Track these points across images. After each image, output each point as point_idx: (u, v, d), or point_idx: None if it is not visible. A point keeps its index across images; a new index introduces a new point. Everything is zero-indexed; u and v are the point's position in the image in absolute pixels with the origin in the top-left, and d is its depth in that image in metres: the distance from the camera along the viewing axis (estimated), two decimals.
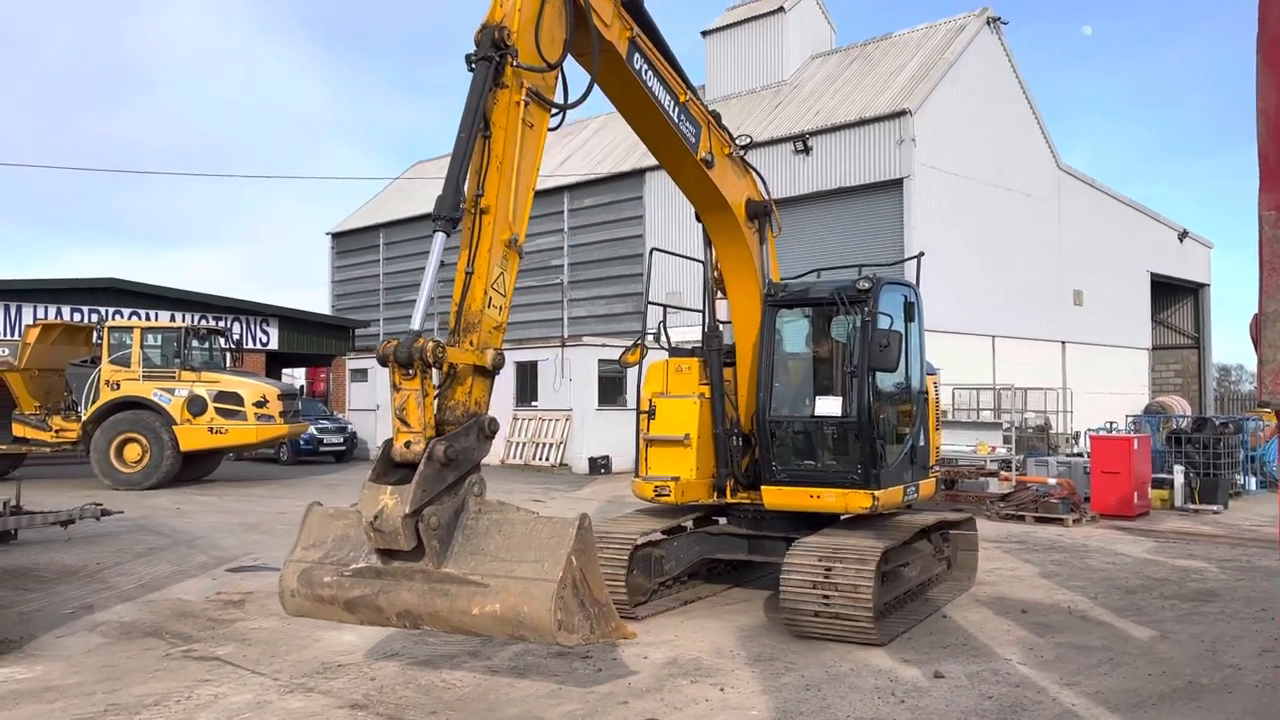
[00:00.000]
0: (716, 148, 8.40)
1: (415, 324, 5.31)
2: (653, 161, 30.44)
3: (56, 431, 20.92)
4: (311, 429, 26.65)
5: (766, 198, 9.16)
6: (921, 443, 8.95)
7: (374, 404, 32.66)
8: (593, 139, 34.07)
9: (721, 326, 9.27)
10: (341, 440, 28.96)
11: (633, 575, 8.44)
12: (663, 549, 8.94)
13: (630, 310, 29.08)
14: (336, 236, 38.75)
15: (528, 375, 29.13)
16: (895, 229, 23.39)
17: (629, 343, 9.45)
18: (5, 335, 26.71)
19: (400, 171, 42.49)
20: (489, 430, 5.41)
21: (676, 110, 7.76)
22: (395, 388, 5.16)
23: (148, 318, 27.26)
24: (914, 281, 9.45)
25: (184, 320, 27.14)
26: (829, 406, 8.32)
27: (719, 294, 9.34)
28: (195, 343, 21.23)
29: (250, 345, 31.08)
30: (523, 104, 5.81)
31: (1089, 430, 20.09)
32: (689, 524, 9.37)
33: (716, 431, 8.92)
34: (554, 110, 6.20)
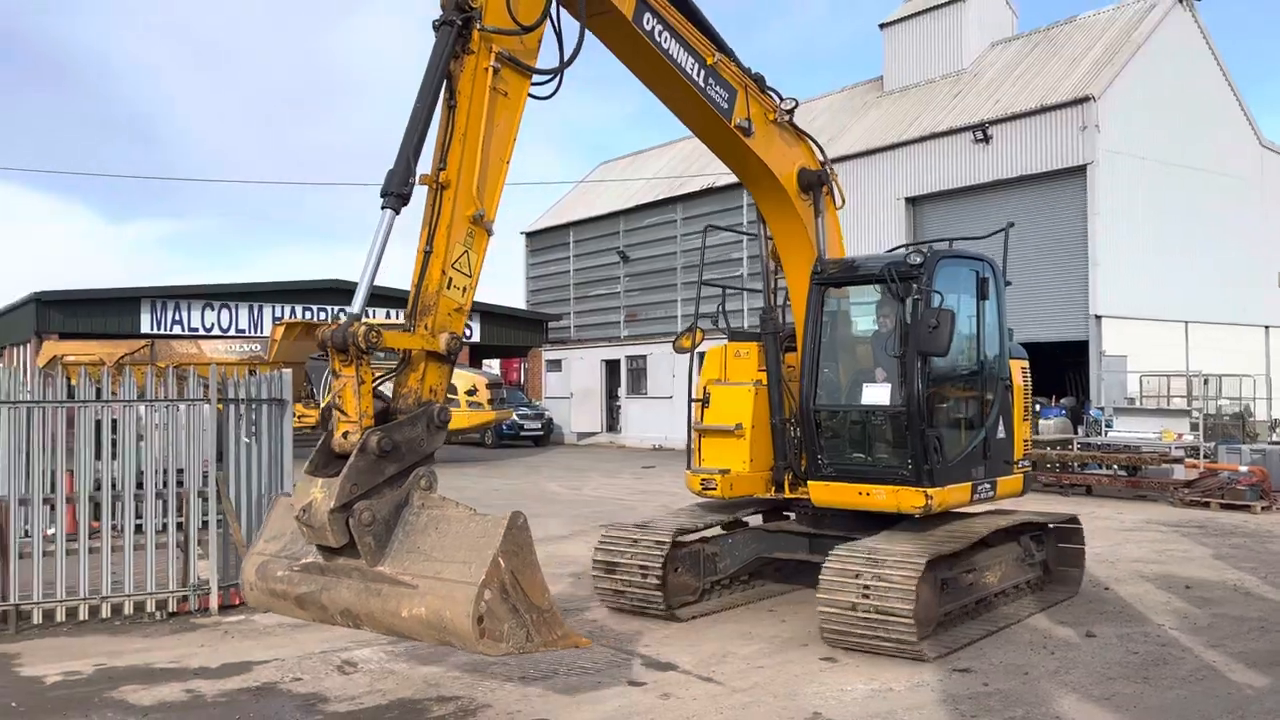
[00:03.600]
0: (756, 113, 7.66)
1: (355, 307, 4.92)
2: (831, 154, 30.87)
3: (299, 418, 23.73)
4: (514, 415, 28.87)
5: (824, 166, 8.37)
6: (1000, 435, 8.05)
7: (568, 392, 34.79)
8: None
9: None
10: (540, 426, 31.25)
11: (677, 574, 7.98)
12: (716, 546, 8.41)
13: (749, 307, 30.04)
14: (530, 235, 41.13)
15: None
16: (1078, 217, 22.97)
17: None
18: (251, 332, 30.23)
19: (587, 171, 44.61)
20: (440, 420, 5.05)
21: (702, 74, 7.13)
22: (334, 374, 4.87)
23: (369, 314, 30.17)
24: (993, 256, 8.41)
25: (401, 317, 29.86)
26: (876, 395, 7.62)
27: (777, 273, 8.70)
28: None
29: None
30: (491, 70, 5.35)
31: None
32: (758, 519, 8.86)
33: (774, 421, 8.21)
34: (534, 76, 5.67)
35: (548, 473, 22.32)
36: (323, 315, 30.68)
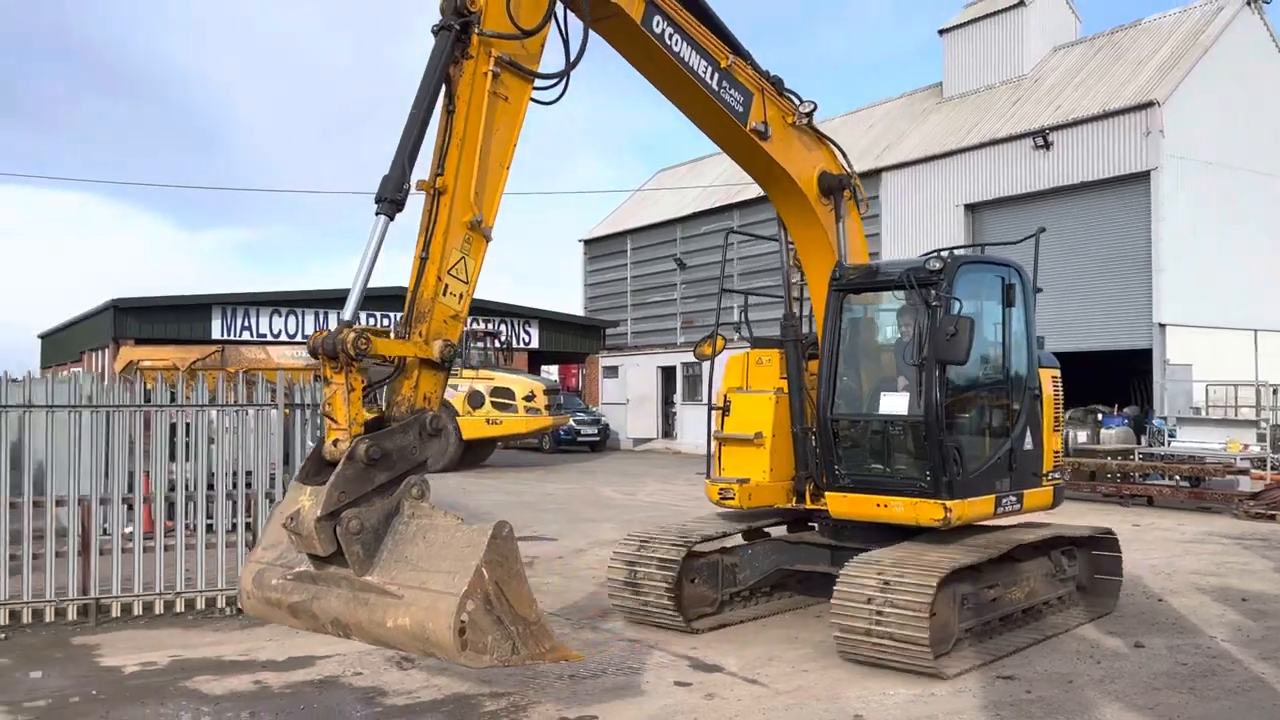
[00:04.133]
0: (774, 117, 7.55)
1: (346, 314, 4.85)
2: (889, 161, 30.93)
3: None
4: (570, 421, 29.20)
5: (847, 170, 8.22)
6: (1028, 446, 7.82)
7: (624, 398, 35.05)
8: None
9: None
10: (596, 431, 31.53)
11: (694, 585, 7.93)
12: (736, 557, 8.30)
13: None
14: (588, 243, 41.52)
15: None
16: (1141, 223, 22.56)
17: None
18: None
19: (643, 179, 44.94)
20: (432, 428, 5.01)
21: (715, 77, 7.02)
22: (326, 381, 4.84)
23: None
24: (1016, 262, 8.11)
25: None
26: (894, 404, 7.45)
27: (803, 280, 8.58)
28: (473, 344, 24.14)
29: (516, 345, 34.23)
30: (490, 75, 5.29)
31: None
32: (784, 530, 8.71)
33: (795, 430, 8.08)
34: (538, 80, 5.60)
35: (603, 478, 22.55)
36: (386, 322, 31.39)
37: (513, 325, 34.45)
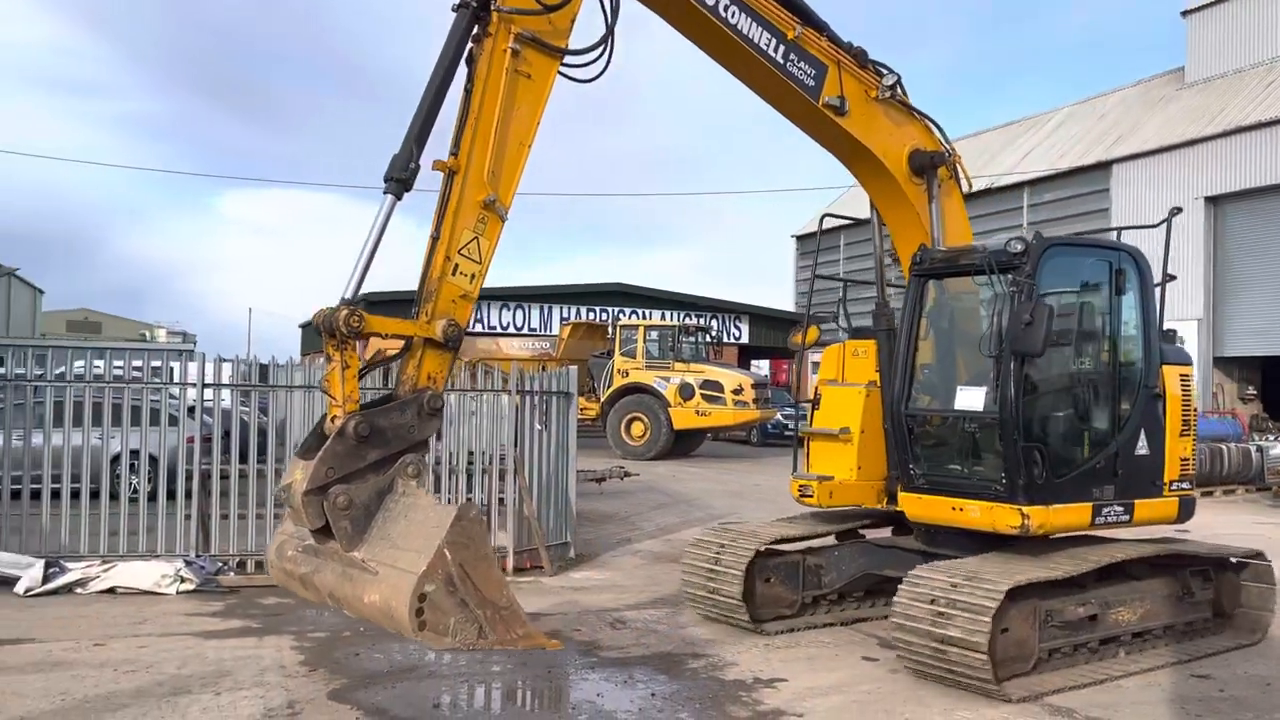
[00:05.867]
0: (853, 91, 7.07)
1: (347, 292, 4.90)
2: (1121, 152, 29.40)
3: (581, 410, 25.79)
4: (779, 415, 29.64)
5: (945, 146, 7.64)
6: (1142, 451, 6.92)
7: None
8: (1056, 131, 33.42)
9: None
10: None
11: (768, 585, 7.52)
12: (821, 558, 7.82)
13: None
14: (800, 239, 41.73)
15: None
16: None
17: None
18: (542, 331, 32.95)
19: None
20: (430, 407, 4.97)
21: (781, 50, 6.63)
22: (327, 358, 4.93)
23: (645, 316, 31.98)
24: (1130, 246, 7.26)
25: (675, 319, 31.62)
26: (969, 399, 6.77)
27: (890, 263, 8.03)
28: (685, 338, 25.07)
29: (726, 339, 34.98)
30: (509, 52, 5.19)
31: None
32: (885, 532, 8.12)
33: (886, 426, 7.44)
34: (564, 57, 5.45)
35: None
36: (604, 316, 32.87)
37: (723, 320, 35.23)
